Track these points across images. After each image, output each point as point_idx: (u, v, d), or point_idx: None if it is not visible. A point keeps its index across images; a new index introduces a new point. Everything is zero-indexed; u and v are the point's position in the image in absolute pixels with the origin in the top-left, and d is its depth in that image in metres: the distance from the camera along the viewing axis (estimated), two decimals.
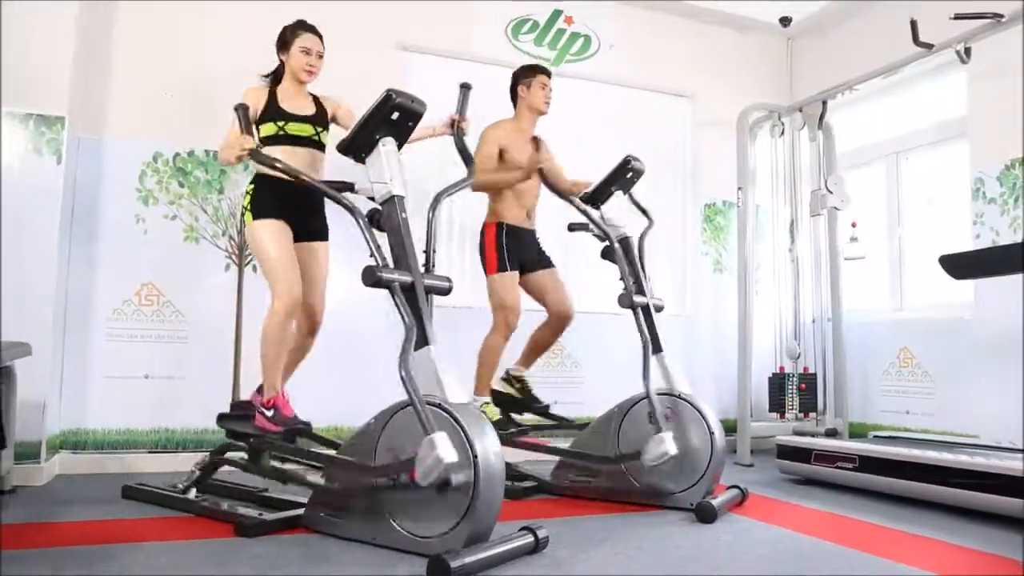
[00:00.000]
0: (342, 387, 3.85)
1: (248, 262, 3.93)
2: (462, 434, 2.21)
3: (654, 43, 5.02)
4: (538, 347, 3.68)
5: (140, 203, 3.81)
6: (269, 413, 2.90)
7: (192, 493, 2.94)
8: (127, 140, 3.83)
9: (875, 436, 4.13)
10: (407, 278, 2.48)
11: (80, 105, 3.63)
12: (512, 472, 3.41)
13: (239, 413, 3.07)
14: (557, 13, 4.74)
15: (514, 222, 3.61)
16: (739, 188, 4.61)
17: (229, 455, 2.98)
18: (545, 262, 3.69)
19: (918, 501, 3.18)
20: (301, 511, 2.60)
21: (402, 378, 2.30)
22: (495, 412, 3.56)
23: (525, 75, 3.69)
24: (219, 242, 3.91)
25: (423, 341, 2.45)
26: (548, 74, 3.71)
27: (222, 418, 3.07)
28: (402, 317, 2.43)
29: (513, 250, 3.57)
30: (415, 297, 2.49)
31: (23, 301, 3.27)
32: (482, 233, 3.65)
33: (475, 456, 2.17)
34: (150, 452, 3.72)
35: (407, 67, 4.41)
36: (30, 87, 3.39)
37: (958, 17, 3.54)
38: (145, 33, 3.91)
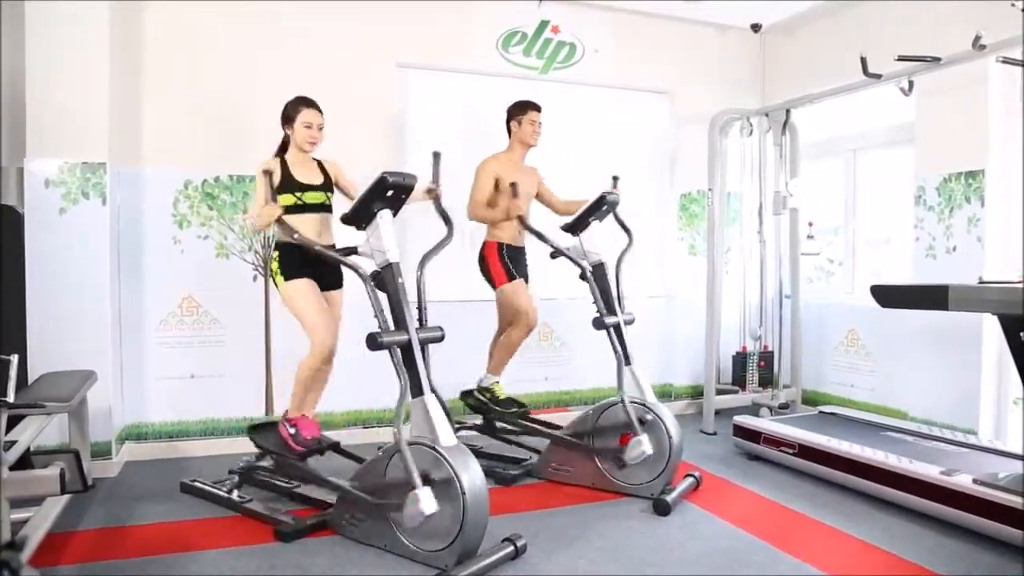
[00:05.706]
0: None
1: None
2: (451, 472, 2.72)
3: (635, 45, 5.29)
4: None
5: (175, 226, 4.32)
6: (292, 431, 3.46)
7: (235, 494, 3.46)
8: (160, 170, 4.27)
9: (821, 412, 4.66)
10: (404, 337, 2.95)
11: (117, 142, 4.04)
12: (506, 458, 4.11)
13: (266, 422, 3.67)
14: (544, 24, 5.05)
15: (511, 241, 4.08)
16: (709, 189, 5.07)
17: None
18: (527, 277, 4.18)
19: (848, 490, 3.64)
20: (330, 512, 3.15)
21: (394, 434, 2.79)
22: (503, 390, 4.12)
23: (517, 112, 4.06)
24: (246, 256, 4.45)
25: (418, 391, 2.93)
26: (538, 109, 4.07)
27: (253, 429, 3.62)
28: (398, 374, 2.89)
29: (513, 264, 4.06)
30: (411, 353, 2.94)
31: (87, 324, 3.88)
32: (483, 252, 4.09)
33: (463, 492, 2.70)
34: (199, 439, 4.38)
35: (405, 83, 4.80)
36: (74, 136, 3.85)
37: (902, 59, 3.92)
38: (172, 71, 4.30)
